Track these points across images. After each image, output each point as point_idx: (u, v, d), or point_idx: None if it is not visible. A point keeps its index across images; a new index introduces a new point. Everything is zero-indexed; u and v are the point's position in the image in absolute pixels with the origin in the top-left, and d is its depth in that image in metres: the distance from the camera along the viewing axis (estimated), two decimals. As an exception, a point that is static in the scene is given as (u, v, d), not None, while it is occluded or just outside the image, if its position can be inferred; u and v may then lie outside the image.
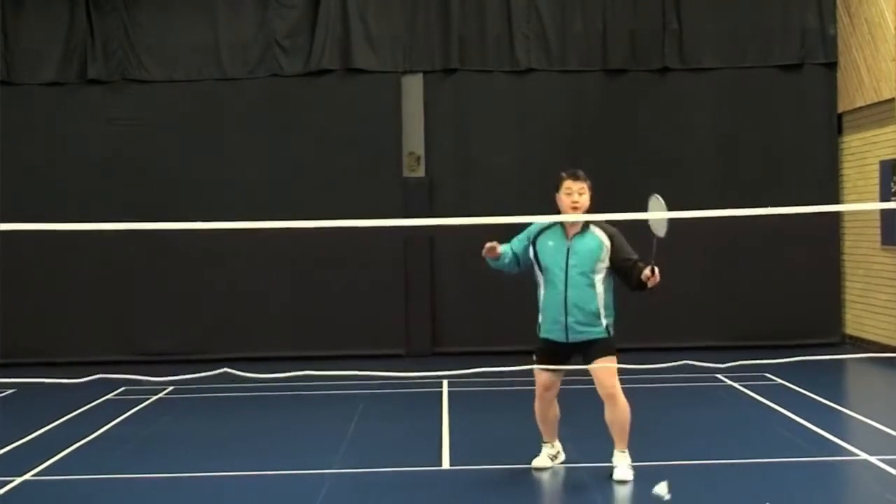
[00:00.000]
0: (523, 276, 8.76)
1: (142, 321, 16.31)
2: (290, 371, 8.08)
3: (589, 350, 8.25)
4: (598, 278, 8.22)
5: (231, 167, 16.40)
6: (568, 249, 8.20)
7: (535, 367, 8.46)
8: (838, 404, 11.70)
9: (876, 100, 15.11)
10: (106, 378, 7.61)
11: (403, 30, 16.54)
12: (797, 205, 7.01)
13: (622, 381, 8.32)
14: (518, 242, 8.46)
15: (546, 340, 8.40)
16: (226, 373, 7.31)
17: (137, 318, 16.33)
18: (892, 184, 14.48)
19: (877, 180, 15.13)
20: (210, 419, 11.81)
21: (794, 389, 12.32)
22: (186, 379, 7.90)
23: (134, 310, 16.37)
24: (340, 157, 16.41)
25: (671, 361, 8.21)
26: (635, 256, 8.21)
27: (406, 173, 16.58)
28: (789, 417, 10.79)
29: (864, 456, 9.14)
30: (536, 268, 8.40)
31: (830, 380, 13.48)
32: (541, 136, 16.44)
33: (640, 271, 8.08)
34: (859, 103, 15.71)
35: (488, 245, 8.25)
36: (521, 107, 16.61)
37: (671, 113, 16.55)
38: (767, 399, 11.72)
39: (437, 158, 16.64)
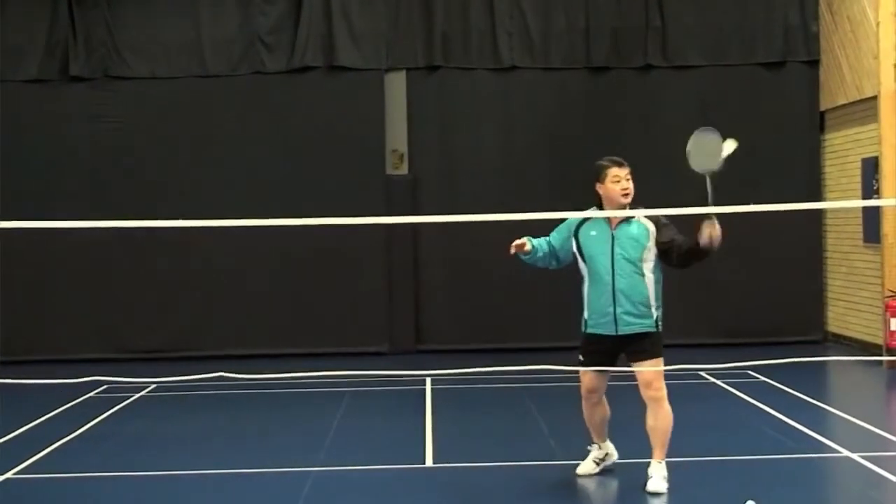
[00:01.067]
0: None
1: (126, 319, 16.24)
2: (273, 369, 8.08)
3: (638, 346, 7.90)
4: (648, 267, 7.90)
5: (214, 164, 16.35)
6: (613, 237, 7.88)
7: (580, 368, 8.10)
8: (821, 401, 11.73)
9: (858, 97, 15.15)
10: (98, 379, 7.58)
11: (387, 27, 16.51)
12: (779, 202, 7.02)
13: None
14: (557, 235, 8.15)
15: (593, 336, 7.97)
16: (208, 371, 7.28)
17: (122, 316, 16.26)
18: (874, 181, 14.52)
19: (859, 178, 15.17)
20: (193, 417, 11.76)
21: (777, 387, 12.34)
22: (169, 377, 7.88)
23: (118, 307, 16.30)
24: (323, 154, 16.37)
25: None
26: (681, 237, 7.91)
27: (389, 171, 16.56)
28: (772, 414, 10.81)
29: (846, 453, 9.17)
30: (580, 260, 8.03)
31: (813, 377, 13.51)
32: (524, 134, 16.43)
33: (686, 244, 7.81)
34: (841, 101, 15.75)
35: (516, 242, 7.93)
36: (505, 104, 16.60)
37: (654, 110, 16.55)
38: (750, 396, 11.74)
39: (421, 156, 16.62)
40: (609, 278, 7.83)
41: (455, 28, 16.53)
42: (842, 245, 16.00)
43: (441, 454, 9.53)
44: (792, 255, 16.42)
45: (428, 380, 13.03)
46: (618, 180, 8.03)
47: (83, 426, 11.02)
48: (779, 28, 16.53)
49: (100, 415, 11.60)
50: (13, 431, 10.76)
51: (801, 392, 11.98)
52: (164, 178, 16.24)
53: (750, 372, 12.96)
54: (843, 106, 15.74)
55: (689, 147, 7.93)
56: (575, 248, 8.05)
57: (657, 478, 7.95)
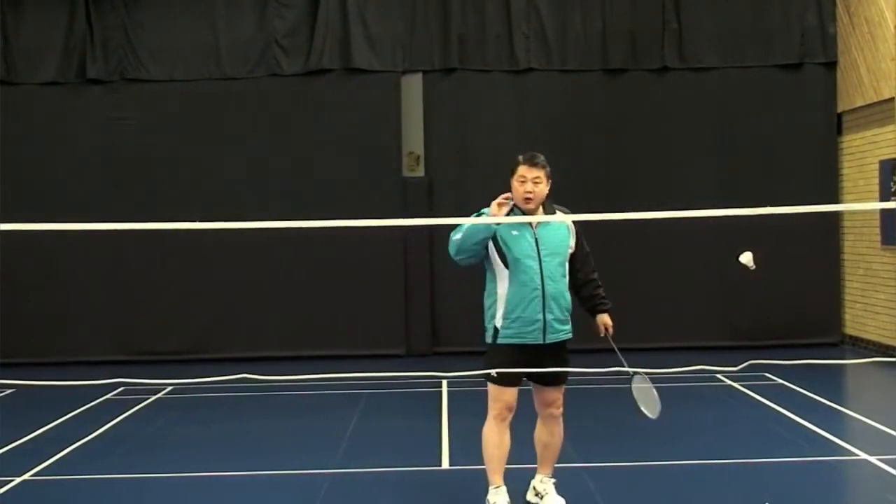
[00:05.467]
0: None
1: (141, 321, 16.29)
2: (290, 371, 8.08)
3: (558, 357, 7.25)
4: (568, 269, 7.28)
5: (230, 167, 16.38)
6: (536, 238, 7.18)
7: (491, 373, 7.43)
8: (838, 404, 11.69)
9: (876, 99, 15.10)
10: (116, 381, 7.61)
11: (403, 29, 16.53)
12: (797, 204, 7.00)
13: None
14: None
15: (512, 346, 7.21)
16: (225, 373, 7.30)
17: (137, 318, 16.31)
18: (892, 183, 14.47)
19: (876, 180, 15.12)
20: (209, 419, 11.78)
21: (794, 389, 12.32)
22: (186, 379, 7.90)
23: (134, 309, 16.35)
24: (340, 156, 16.40)
25: (671, 361, 8.19)
26: (591, 262, 7.44)
27: (405, 173, 16.57)
28: (789, 417, 10.78)
29: (863, 456, 9.13)
30: (498, 259, 7.20)
31: (830, 379, 13.48)
32: (540, 136, 16.37)
33: (598, 298, 7.41)
34: (859, 103, 15.70)
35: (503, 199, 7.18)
36: (521, 106, 16.59)
37: (671, 112, 16.54)
38: (767, 399, 11.72)
39: (437, 158, 16.62)
40: (539, 282, 7.10)
41: (471, 30, 16.53)
42: (859, 247, 15.95)
43: (457, 456, 9.54)
44: (809, 257, 16.38)
45: (444, 382, 13.04)
46: (523, 181, 7.28)
47: (100, 428, 11.05)
48: (796, 30, 16.50)
49: (116, 417, 11.63)
50: (30, 433, 10.79)
51: (817, 394, 11.94)
52: (181, 181, 16.27)
53: (767, 374, 12.94)
54: (861, 108, 15.69)
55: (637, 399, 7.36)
56: (493, 249, 7.23)
57: (554, 495, 7.60)
